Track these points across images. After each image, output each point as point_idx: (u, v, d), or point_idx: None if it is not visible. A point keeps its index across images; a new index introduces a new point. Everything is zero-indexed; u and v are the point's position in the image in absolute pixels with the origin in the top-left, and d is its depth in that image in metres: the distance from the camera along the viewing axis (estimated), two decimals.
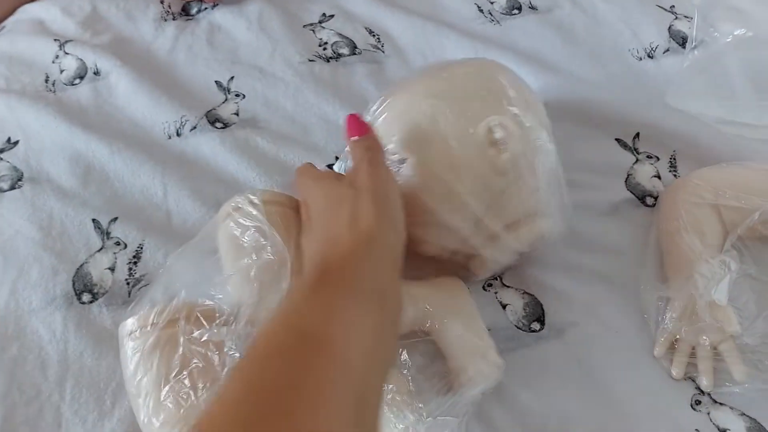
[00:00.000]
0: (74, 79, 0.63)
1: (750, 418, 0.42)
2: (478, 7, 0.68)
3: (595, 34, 0.64)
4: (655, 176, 0.54)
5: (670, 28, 0.63)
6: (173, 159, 0.57)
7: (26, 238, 0.51)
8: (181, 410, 0.39)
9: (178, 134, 0.59)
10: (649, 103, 0.57)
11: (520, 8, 0.67)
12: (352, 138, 0.41)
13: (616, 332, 0.46)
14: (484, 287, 0.49)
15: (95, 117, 0.60)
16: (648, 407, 0.43)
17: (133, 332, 0.42)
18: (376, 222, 0.36)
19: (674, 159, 0.54)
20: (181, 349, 0.41)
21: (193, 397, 0.40)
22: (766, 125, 0.53)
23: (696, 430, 0.42)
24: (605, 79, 0.60)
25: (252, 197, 0.44)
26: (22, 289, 0.49)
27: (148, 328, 0.42)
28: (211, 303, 0.43)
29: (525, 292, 0.49)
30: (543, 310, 0.48)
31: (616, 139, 0.56)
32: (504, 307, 0.48)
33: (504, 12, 0.67)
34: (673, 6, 0.65)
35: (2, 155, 0.58)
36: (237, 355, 0.40)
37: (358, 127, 0.41)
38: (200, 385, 0.40)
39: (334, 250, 0.35)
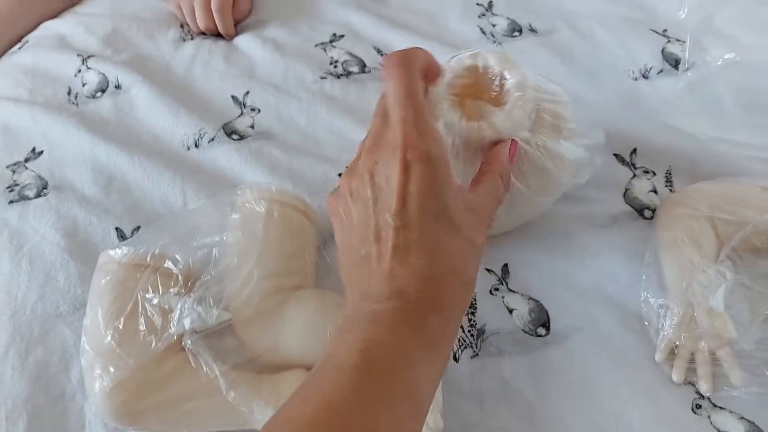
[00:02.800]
0: (96, 92, 0.63)
1: (748, 421, 0.42)
2: (481, 29, 0.69)
3: (592, 55, 0.64)
4: (651, 191, 0.54)
5: (663, 50, 0.64)
6: (192, 169, 0.57)
7: (52, 245, 0.51)
8: (117, 350, 0.40)
9: (196, 146, 0.59)
10: (644, 121, 0.58)
11: (521, 30, 0.68)
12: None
13: (618, 339, 0.46)
14: (490, 291, 0.49)
15: (116, 129, 0.60)
16: (650, 410, 0.43)
17: (105, 264, 0.44)
18: (426, 278, 0.33)
19: (670, 174, 0.55)
20: (132, 301, 0.42)
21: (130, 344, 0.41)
22: (754, 144, 0.54)
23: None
24: (603, 98, 0.60)
25: (259, 191, 0.47)
26: (50, 294, 0.48)
27: (116, 265, 0.44)
28: (174, 267, 0.44)
29: (530, 298, 0.49)
30: (548, 315, 0.48)
31: (614, 155, 0.56)
32: (511, 311, 0.48)
33: (505, 34, 0.68)
34: (666, 30, 0.66)
35: (27, 164, 0.57)
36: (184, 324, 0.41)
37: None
38: (139, 337, 0.41)
39: (374, 318, 0.32)
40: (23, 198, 0.55)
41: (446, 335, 0.34)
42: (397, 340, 0.31)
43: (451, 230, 0.34)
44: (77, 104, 0.62)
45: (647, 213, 0.53)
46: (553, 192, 0.49)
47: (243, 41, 0.68)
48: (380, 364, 0.30)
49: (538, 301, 0.49)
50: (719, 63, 0.54)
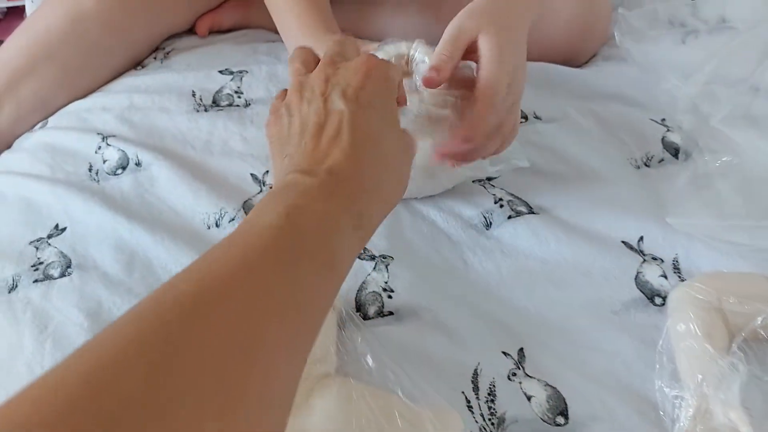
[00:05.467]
0: (117, 169, 0.65)
1: None
2: None
3: (597, 140, 0.67)
4: (662, 275, 0.56)
5: (663, 139, 0.67)
6: None
7: (75, 325, 0.51)
8: None
9: (217, 225, 0.60)
10: (647, 210, 0.60)
11: (526, 118, 0.71)
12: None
13: (635, 429, 0.47)
14: (508, 376, 0.50)
15: (138, 206, 0.61)
16: None
17: None
18: (352, 166, 0.35)
19: (677, 261, 0.57)
20: None
21: None
22: (756, 244, 0.55)
23: None
24: (606, 185, 0.63)
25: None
26: None
27: None
28: None
29: (547, 384, 0.50)
30: (566, 403, 0.49)
31: (623, 242, 0.59)
32: (529, 398, 0.49)
33: None
34: (664, 119, 0.69)
35: (50, 241, 0.58)
36: None
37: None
38: None
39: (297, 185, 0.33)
40: (48, 278, 0.55)
41: (372, 218, 0.36)
42: (325, 208, 0.32)
43: (390, 132, 0.39)
44: (98, 181, 0.63)
45: (658, 300, 0.55)
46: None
47: (258, 116, 0.70)
48: (306, 227, 0.30)
49: (555, 388, 0.49)
50: (718, 164, 0.57)
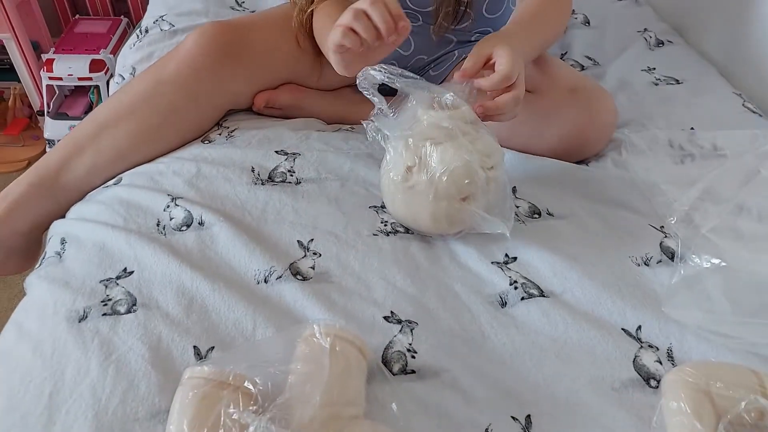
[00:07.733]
0: (181, 226, 0.72)
1: None
2: None
3: (603, 239, 0.75)
4: (657, 361, 0.61)
5: (661, 243, 0.74)
6: (262, 301, 0.64)
7: (137, 355, 0.57)
8: None
9: (266, 281, 0.66)
10: (645, 302, 0.67)
11: (540, 213, 0.79)
12: None
13: None
14: None
15: (199, 259, 0.68)
16: None
17: (190, 378, 0.50)
18: None
19: (671, 351, 0.62)
20: (214, 414, 0.47)
21: None
22: (740, 338, 0.62)
23: None
24: (610, 278, 0.69)
25: (325, 327, 0.55)
26: (131, 400, 0.53)
27: (202, 380, 0.49)
28: (253, 388, 0.50)
29: None
30: None
31: (623, 329, 0.64)
32: None
33: (527, 215, 0.78)
34: (662, 226, 0.77)
35: (119, 281, 0.65)
36: None
37: None
38: None
39: None
40: (115, 312, 0.61)
41: None
42: None
43: None
44: (165, 234, 0.71)
45: (653, 383, 0.60)
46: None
47: (309, 194, 0.78)
48: None
49: None
50: (707, 266, 0.64)
